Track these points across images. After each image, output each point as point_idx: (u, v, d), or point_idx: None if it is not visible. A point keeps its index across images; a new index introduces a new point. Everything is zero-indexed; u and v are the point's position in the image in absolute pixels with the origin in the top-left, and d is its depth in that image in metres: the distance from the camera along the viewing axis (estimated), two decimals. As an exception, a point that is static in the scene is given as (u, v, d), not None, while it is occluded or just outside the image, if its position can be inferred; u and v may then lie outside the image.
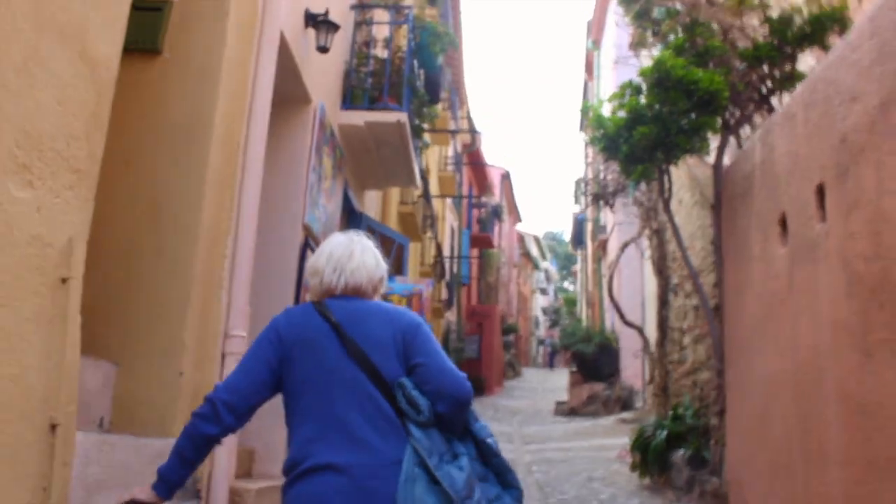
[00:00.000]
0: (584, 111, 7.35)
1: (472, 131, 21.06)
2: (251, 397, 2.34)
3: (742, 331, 6.01)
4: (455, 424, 2.37)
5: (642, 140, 6.34)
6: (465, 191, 25.56)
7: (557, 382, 30.31)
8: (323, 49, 6.05)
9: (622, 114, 6.69)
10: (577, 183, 34.27)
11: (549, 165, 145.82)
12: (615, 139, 6.82)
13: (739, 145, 7.38)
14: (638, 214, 10.65)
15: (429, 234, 16.96)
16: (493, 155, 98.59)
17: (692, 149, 6.51)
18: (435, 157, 19.04)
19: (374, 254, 2.58)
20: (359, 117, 7.49)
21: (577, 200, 37.35)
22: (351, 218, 8.71)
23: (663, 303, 10.07)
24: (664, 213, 7.66)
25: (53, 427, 2.56)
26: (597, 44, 23.35)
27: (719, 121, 6.51)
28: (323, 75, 6.75)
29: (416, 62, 8.41)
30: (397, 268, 9.35)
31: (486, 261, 30.17)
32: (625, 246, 11.22)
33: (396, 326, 2.39)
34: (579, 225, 31.86)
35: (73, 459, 2.75)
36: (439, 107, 17.49)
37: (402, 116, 7.46)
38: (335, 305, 2.42)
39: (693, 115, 6.37)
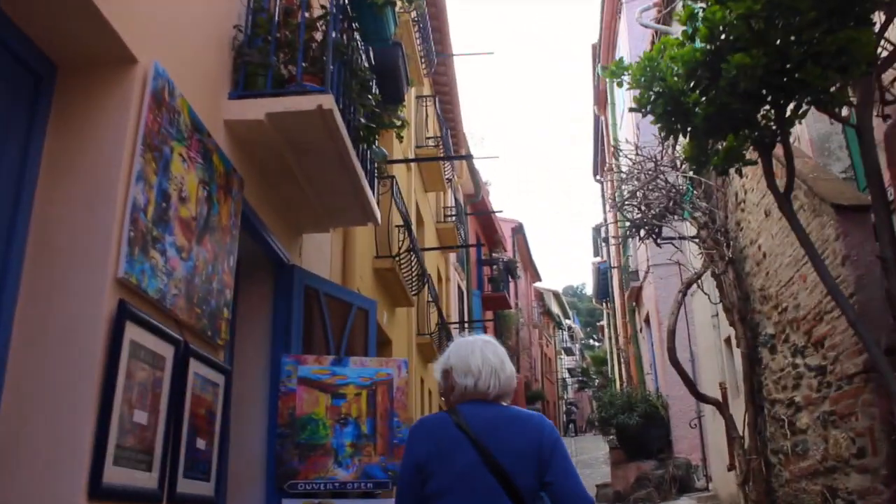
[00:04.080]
0: (616, 72, 4.35)
1: (468, 158, 18.13)
2: None
3: None
4: None
5: (742, 78, 3.43)
6: (471, 248, 22.67)
7: (592, 453, 27.15)
8: (132, -49, 3.23)
9: (694, 45, 3.79)
10: (597, 230, 31.53)
11: (563, 217, 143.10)
12: (679, 97, 3.93)
13: (883, 98, 4.46)
14: (700, 241, 7.62)
15: (427, 297, 14.00)
16: (503, 207, 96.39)
17: (830, 89, 3.60)
18: (430, 207, 16.19)
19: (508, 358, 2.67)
20: (257, 108, 4.65)
21: (597, 251, 34.55)
22: (280, 274, 5.81)
23: (752, 363, 6.98)
24: (782, 216, 4.70)
25: None
26: (607, 69, 20.63)
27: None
28: (170, 25, 3.94)
29: (354, 32, 5.59)
30: (358, 343, 6.40)
31: (503, 323, 27.11)
32: (687, 287, 8.12)
33: (534, 438, 2.43)
34: (602, 275, 29.00)
35: None
36: (429, 140, 14.76)
37: (326, 100, 4.61)
38: (471, 414, 2.48)
39: (826, 29, 3.47)
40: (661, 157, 7.77)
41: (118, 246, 3.23)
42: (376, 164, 6.24)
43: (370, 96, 5.43)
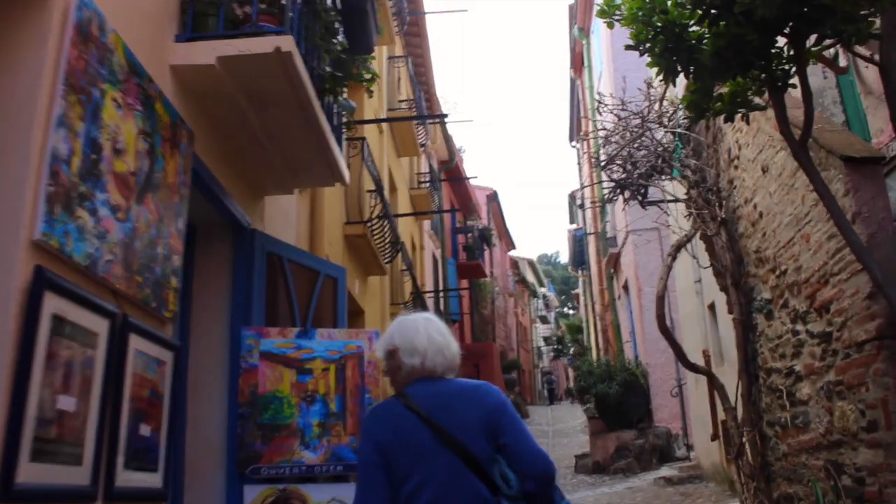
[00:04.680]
0: (608, 10, 3.84)
1: (442, 118, 17.58)
2: None
3: None
4: (542, 499, 2.46)
5: (760, 4, 2.98)
6: (445, 215, 22.20)
7: (569, 422, 27.05)
8: None
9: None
10: (573, 197, 31.12)
11: (538, 184, 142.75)
12: (682, 32, 3.48)
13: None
14: (689, 201, 7.20)
15: (401, 265, 13.53)
16: (477, 175, 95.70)
17: (856, 20, 3.16)
18: (403, 173, 15.68)
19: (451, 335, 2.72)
20: (207, 51, 4.13)
21: (573, 218, 34.16)
22: (239, 240, 5.31)
23: (746, 330, 6.60)
24: (781, 173, 4.28)
25: None
26: (584, 31, 20.11)
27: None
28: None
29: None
30: (327, 314, 5.94)
31: (478, 292, 26.74)
32: (676, 250, 7.70)
33: (483, 407, 2.50)
34: (578, 242, 28.64)
35: None
36: (402, 103, 14.22)
37: (285, 41, 4.10)
38: (419, 393, 2.53)
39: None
40: (648, 113, 7.33)
41: (34, 203, 2.74)
42: (344, 119, 5.73)
43: (336, 42, 4.92)
